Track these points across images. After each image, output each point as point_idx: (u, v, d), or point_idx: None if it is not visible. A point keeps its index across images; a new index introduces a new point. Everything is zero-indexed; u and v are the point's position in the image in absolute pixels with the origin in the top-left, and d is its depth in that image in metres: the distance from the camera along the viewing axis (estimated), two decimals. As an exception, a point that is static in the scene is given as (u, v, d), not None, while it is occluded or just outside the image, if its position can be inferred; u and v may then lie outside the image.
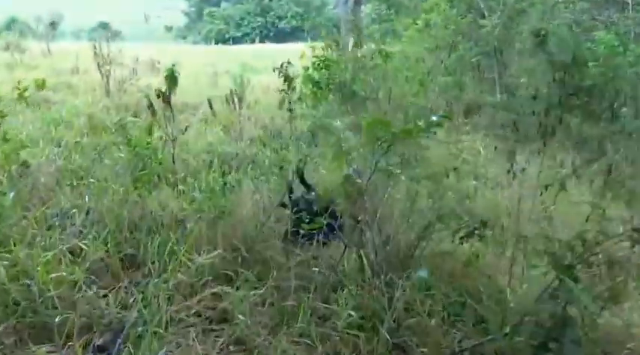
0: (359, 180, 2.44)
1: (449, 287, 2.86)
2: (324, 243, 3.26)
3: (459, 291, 2.85)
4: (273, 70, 5.83)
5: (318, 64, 6.83)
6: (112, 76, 7.84)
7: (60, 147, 5.12)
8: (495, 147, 5.89)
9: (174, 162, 4.63)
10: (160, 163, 3.90)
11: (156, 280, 2.74)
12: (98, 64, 7.77)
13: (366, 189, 2.43)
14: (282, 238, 3.32)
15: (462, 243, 3.02)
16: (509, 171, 4.64)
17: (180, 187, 3.87)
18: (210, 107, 6.61)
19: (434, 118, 2.37)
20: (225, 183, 3.42)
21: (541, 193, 4.33)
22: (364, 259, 2.52)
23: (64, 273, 2.58)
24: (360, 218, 2.57)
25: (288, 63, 5.63)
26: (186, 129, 5.17)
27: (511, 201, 4.85)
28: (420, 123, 2.35)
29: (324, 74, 6.65)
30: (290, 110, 5.56)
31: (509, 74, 9.31)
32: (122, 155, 4.35)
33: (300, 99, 5.81)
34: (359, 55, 7.37)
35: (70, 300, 2.55)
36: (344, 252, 2.68)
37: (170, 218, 3.42)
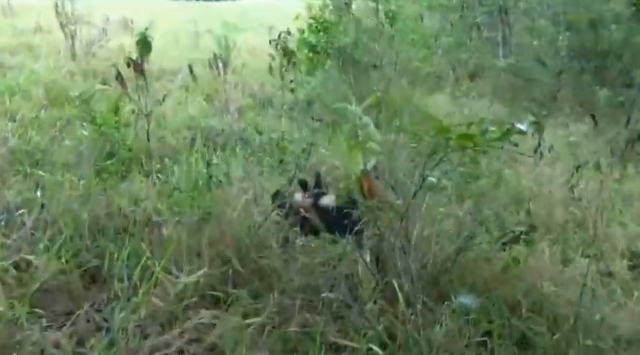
0: (398, 202, 1.82)
1: (483, 296, 2.36)
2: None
3: (497, 306, 2.35)
4: (270, 43, 5.05)
5: (316, 27, 6.02)
6: (77, 36, 6.91)
7: (15, 122, 4.37)
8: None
9: (148, 140, 3.95)
10: (130, 150, 3.21)
11: (124, 306, 2.15)
12: (61, 24, 6.82)
13: (406, 212, 1.81)
14: (281, 242, 2.73)
15: (504, 250, 2.54)
16: (536, 151, 4.11)
17: (156, 176, 3.21)
18: (191, 72, 5.85)
19: (518, 126, 1.67)
20: (210, 177, 2.77)
21: (572, 174, 3.86)
22: (397, 289, 1.93)
23: (1, 308, 1.96)
24: (386, 233, 1.98)
25: (288, 33, 4.84)
26: (163, 100, 4.45)
27: (537, 183, 4.33)
28: (492, 129, 1.67)
29: (321, 37, 5.86)
30: (291, 83, 4.81)
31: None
32: (86, 133, 3.66)
33: (293, 63, 5.07)
34: (354, 13, 6.60)
35: (10, 340, 1.95)
36: (375, 288, 2.07)
37: (143, 216, 2.79)
